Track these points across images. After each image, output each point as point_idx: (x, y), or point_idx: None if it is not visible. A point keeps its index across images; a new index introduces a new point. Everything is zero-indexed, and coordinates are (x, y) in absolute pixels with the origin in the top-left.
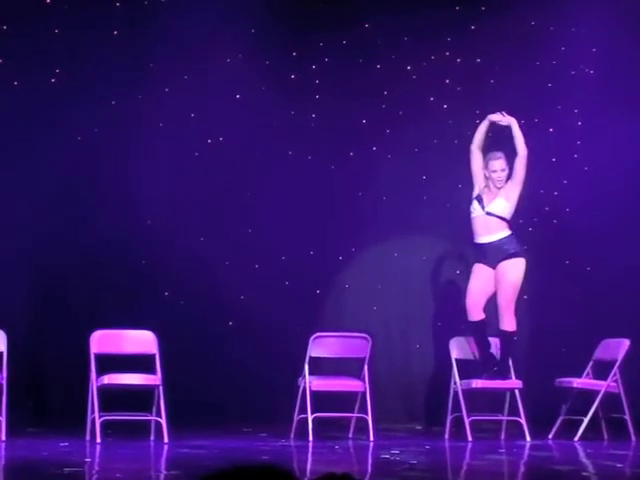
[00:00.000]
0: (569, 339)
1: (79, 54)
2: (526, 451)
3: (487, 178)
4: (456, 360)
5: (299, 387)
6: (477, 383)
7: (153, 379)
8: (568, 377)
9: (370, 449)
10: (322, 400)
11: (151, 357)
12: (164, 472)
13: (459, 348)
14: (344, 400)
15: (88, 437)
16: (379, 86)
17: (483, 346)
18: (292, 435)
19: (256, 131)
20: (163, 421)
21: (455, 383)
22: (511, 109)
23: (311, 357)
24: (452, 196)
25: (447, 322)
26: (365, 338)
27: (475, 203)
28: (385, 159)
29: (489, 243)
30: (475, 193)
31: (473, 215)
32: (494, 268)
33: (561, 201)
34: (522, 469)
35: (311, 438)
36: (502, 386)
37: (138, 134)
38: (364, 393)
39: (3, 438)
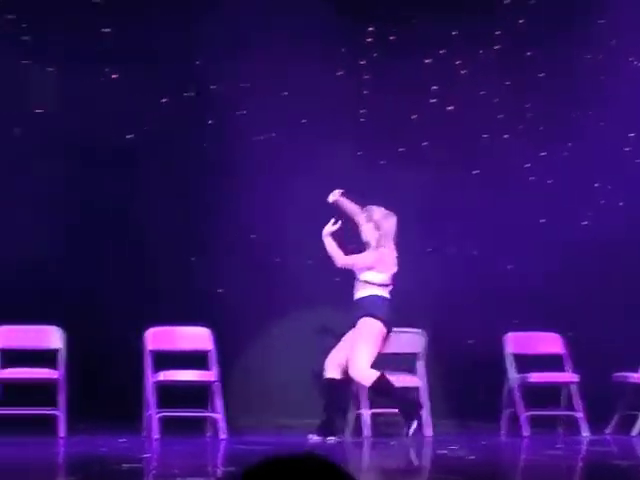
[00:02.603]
0: (626, 333)
1: (130, 52)
2: (584, 446)
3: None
4: (511, 355)
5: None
6: (533, 377)
7: (209, 375)
8: (625, 372)
9: (427, 445)
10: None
11: (206, 353)
12: (221, 468)
13: (514, 343)
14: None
15: (145, 433)
16: (428, 81)
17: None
18: (349, 432)
19: (305, 128)
20: (219, 417)
21: (510, 378)
22: (561, 103)
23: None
24: (502, 191)
25: (501, 317)
26: (419, 333)
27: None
28: (435, 154)
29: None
30: None
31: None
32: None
33: (618, 194)
34: (580, 464)
35: (368, 434)
36: (559, 380)
37: (188, 132)
38: (419, 388)
39: (62, 434)
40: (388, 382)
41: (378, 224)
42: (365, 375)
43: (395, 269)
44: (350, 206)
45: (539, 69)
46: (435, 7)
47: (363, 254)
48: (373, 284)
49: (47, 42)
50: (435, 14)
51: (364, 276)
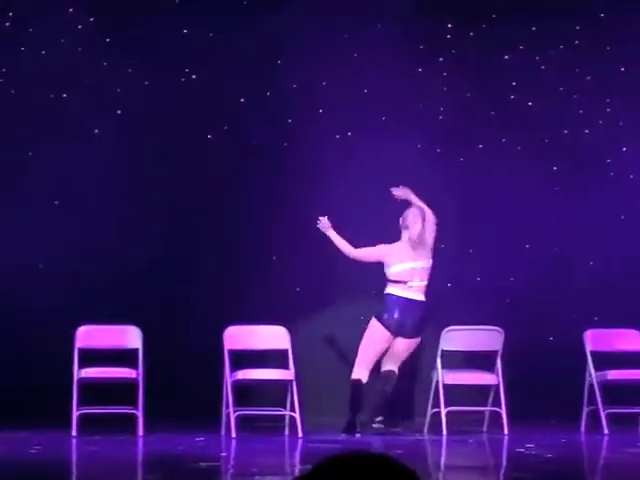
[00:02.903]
0: None
1: (206, 53)
2: None
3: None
4: (591, 352)
5: (432, 381)
6: (612, 375)
7: (286, 374)
8: None
9: (504, 443)
10: (455, 394)
11: (284, 352)
12: (299, 466)
13: (594, 340)
14: (478, 394)
15: (223, 432)
16: (507, 77)
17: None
18: (426, 429)
19: (384, 124)
20: (297, 415)
21: (590, 375)
22: None
23: (443, 350)
24: (582, 186)
25: (581, 314)
26: (498, 331)
27: None
28: (514, 151)
29: None
30: None
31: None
32: None
33: None
34: None
35: (445, 432)
36: (639, 377)
37: (267, 131)
38: (498, 386)
39: (140, 433)
40: (360, 393)
41: (403, 217)
42: (354, 372)
43: (413, 264)
44: (418, 203)
45: (619, 64)
46: (514, 3)
47: (375, 247)
48: (387, 280)
49: (127, 43)
50: (514, 10)
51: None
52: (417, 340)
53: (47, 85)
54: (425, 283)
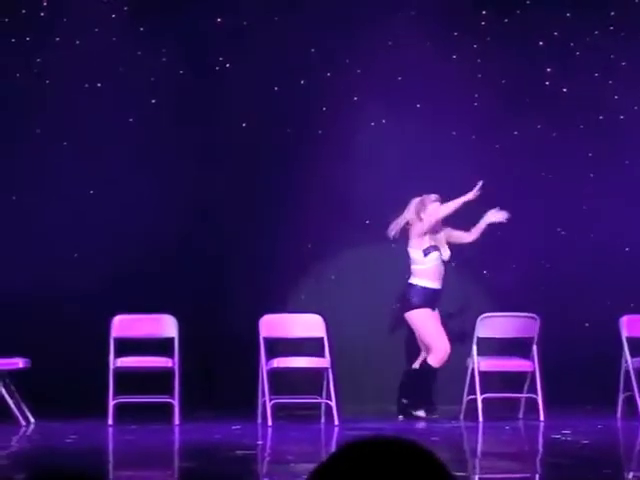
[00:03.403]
0: None
1: (241, 42)
2: None
3: (420, 220)
4: (627, 338)
5: (467, 368)
6: None
7: (322, 362)
8: None
9: (541, 429)
10: (491, 380)
11: (319, 340)
12: None
13: (630, 326)
14: (513, 380)
15: (259, 420)
16: (542, 63)
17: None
18: (462, 416)
19: (419, 111)
20: (333, 403)
21: (626, 362)
22: None
23: (479, 337)
24: (618, 172)
25: (617, 300)
26: (533, 318)
27: (435, 253)
28: (550, 137)
29: (440, 289)
30: (426, 244)
31: (431, 265)
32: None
33: None
34: None
35: (481, 419)
36: None
37: (302, 119)
38: (533, 373)
39: (177, 422)
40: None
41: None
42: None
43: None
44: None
45: None
46: None
47: None
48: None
49: (161, 32)
50: None
51: None
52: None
53: (81, 74)
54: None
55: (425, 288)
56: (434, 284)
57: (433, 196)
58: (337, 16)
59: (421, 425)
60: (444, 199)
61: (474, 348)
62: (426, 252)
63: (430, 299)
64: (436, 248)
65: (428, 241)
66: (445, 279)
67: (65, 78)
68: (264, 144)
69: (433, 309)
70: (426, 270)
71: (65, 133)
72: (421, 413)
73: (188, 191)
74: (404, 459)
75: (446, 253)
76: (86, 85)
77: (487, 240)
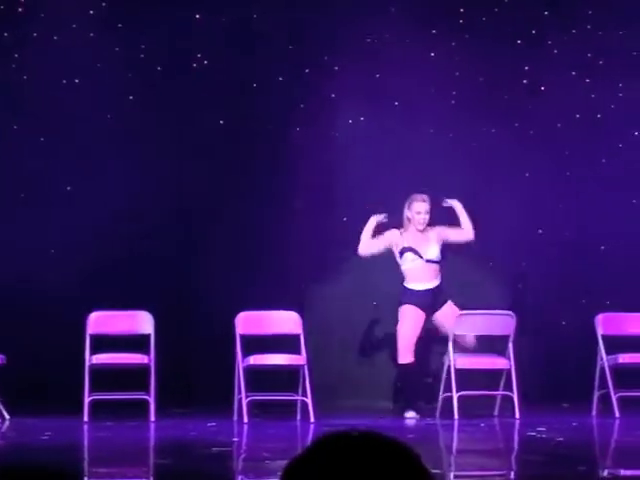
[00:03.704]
0: None
1: (219, 38)
2: None
3: (408, 220)
4: (602, 336)
5: (444, 365)
6: (623, 358)
7: (298, 359)
8: None
9: (516, 427)
10: (467, 378)
11: (295, 337)
12: None
13: (605, 324)
14: (489, 378)
15: (235, 417)
16: (520, 62)
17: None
18: (438, 414)
19: (397, 109)
20: (309, 400)
21: (602, 359)
22: None
23: (455, 335)
24: (594, 171)
25: (593, 298)
26: (510, 315)
27: (409, 254)
28: (527, 135)
29: (425, 290)
30: (401, 245)
31: (409, 266)
32: (426, 313)
33: None
34: None
35: (456, 416)
36: None
37: (279, 116)
38: (509, 370)
39: (152, 419)
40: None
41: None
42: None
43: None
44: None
45: (631, 48)
46: None
47: None
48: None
49: (139, 28)
50: None
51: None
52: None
53: (59, 70)
54: None
55: (405, 288)
56: (415, 285)
57: (418, 196)
58: (315, 13)
59: (397, 423)
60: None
61: (450, 345)
62: (400, 253)
63: (414, 299)
64: (410, 249)
65: (404, 242)
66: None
67: (43, 74)
68: (242, 141)
69: (423, 309)
70: (405, 271)
71: (42, 129)
72: (412, 414)
73: (165, 188)
74: (380, 452)
75: (430, 252)
76: (64, 81)
77: None
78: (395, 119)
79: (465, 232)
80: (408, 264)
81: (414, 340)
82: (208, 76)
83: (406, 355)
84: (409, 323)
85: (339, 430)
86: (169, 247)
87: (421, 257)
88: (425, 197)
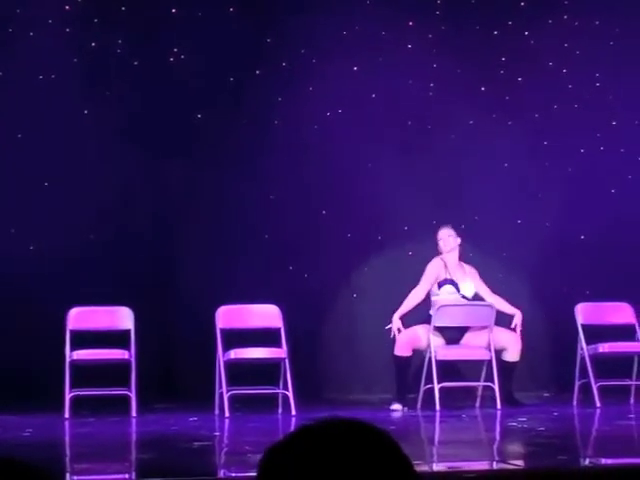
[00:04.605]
0: None
1: (195, 32)
2: None
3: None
4: (582, 326)
5: (424, 357)
6: (603, 348)
7: (279, 352)
8: None
9: (497, 417)
10: (448, 370)
11: (276, 331)
12: None
13: (585, 313)
14: (470, 369)
15: (217, 411)
16: (497, 52)
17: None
18: (419, 405)
19: (374, 101)
20: (290, 394)
21: (582, 349)
22: (630, 72)
23: (436, 327)
24: (573, 161)
25: (573, 287)
26: (490, 306)
27: (449, 287)
28: (505, 126)
29: (453, 327)
30: (442, 276)
31: (444, 297)
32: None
33: None
34: None
35: (438, 408)
36: (630, 350)
37: (257, 109)
38: (490, 361)
39: (134, 414)
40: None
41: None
42: None
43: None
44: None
45: (608, 38)
46: None
47: None
48: None
49: (115, 24)
50: None
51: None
52: None
53: (35, 66)
54: None
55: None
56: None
57: (445, 230)
58: (292, 5)
59: (380, 414)
60: (401, 190)
61: (430, 337)
62: (440, 284)
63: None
64: (451, 282)
65: (445, 273)
66: (402, 272)
67: (19, 70)
68: (219, 135)
69: (447, 340)
70: (438, 301)
71: (19, 125)
72: (397, 406)
73: (143, 183)
74: (359, 438)
75: (467, 290)
76: (40, 77)
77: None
78: (373, 111)
79: (506, 308)
80: (445, 295)
81: (416, 335)
82: (185, 70)
83: (404, 348)
84: (421, 328)
85: (321, 418)
86: (148, 242)
87: (458, 291)
88: (448, 226)
